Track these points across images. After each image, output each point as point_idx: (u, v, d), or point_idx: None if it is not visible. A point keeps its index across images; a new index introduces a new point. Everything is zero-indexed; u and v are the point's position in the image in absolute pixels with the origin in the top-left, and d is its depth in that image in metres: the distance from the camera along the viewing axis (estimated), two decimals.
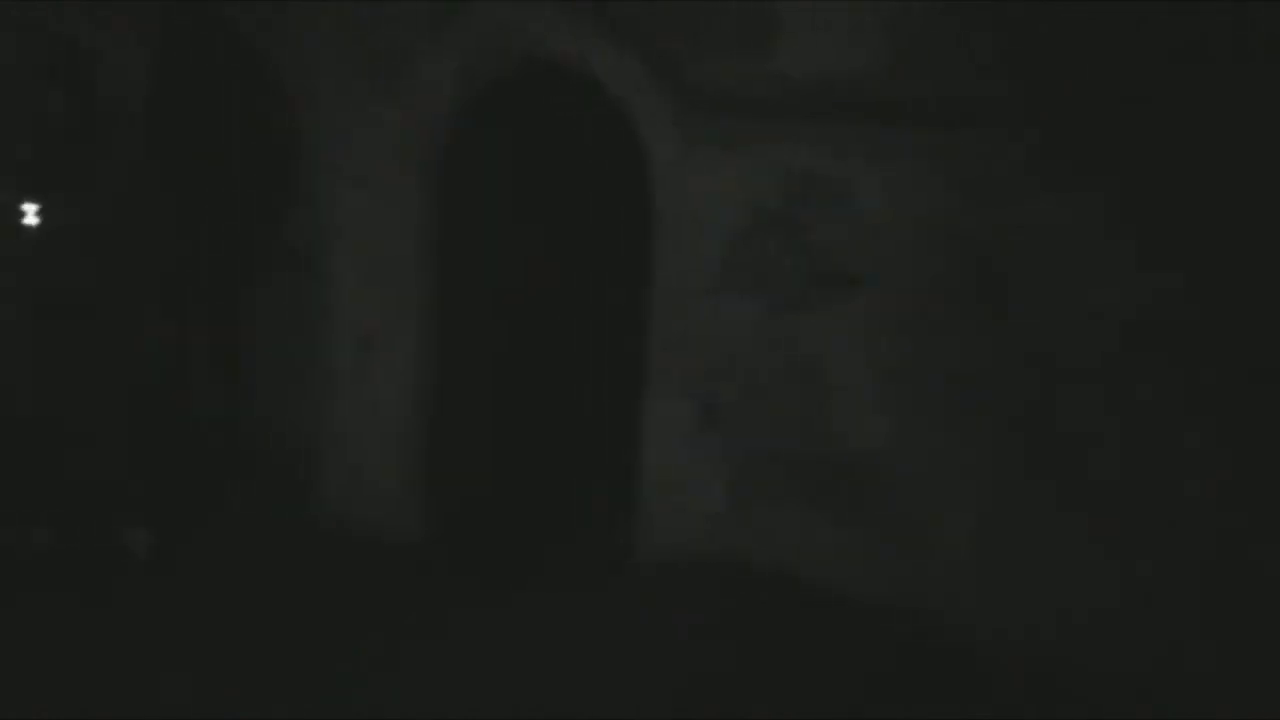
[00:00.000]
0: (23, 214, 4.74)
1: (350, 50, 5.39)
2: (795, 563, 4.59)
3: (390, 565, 5.26)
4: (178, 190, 5.04)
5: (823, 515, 4.58)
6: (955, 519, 4.39)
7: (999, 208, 4.29)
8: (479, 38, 5.18)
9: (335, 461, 5.65)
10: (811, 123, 4.54)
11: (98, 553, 5.11)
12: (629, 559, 4.95)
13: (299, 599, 4.82)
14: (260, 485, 5.94)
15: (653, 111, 4.80)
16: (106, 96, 4.88)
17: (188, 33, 5.91)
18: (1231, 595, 4.04)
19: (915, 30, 4.37)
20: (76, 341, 4.97)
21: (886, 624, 4.34)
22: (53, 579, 4.93)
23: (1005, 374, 4.30)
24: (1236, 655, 4.00)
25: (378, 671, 3.97)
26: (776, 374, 4.66)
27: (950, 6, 4.29)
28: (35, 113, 4.92)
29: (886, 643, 4.25)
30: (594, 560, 5.19)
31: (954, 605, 4.34)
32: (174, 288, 5.69)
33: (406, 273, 5.43)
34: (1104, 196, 4.14)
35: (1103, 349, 4.17)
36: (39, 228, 4.78)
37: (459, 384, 5.62)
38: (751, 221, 4.68)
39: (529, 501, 5.85)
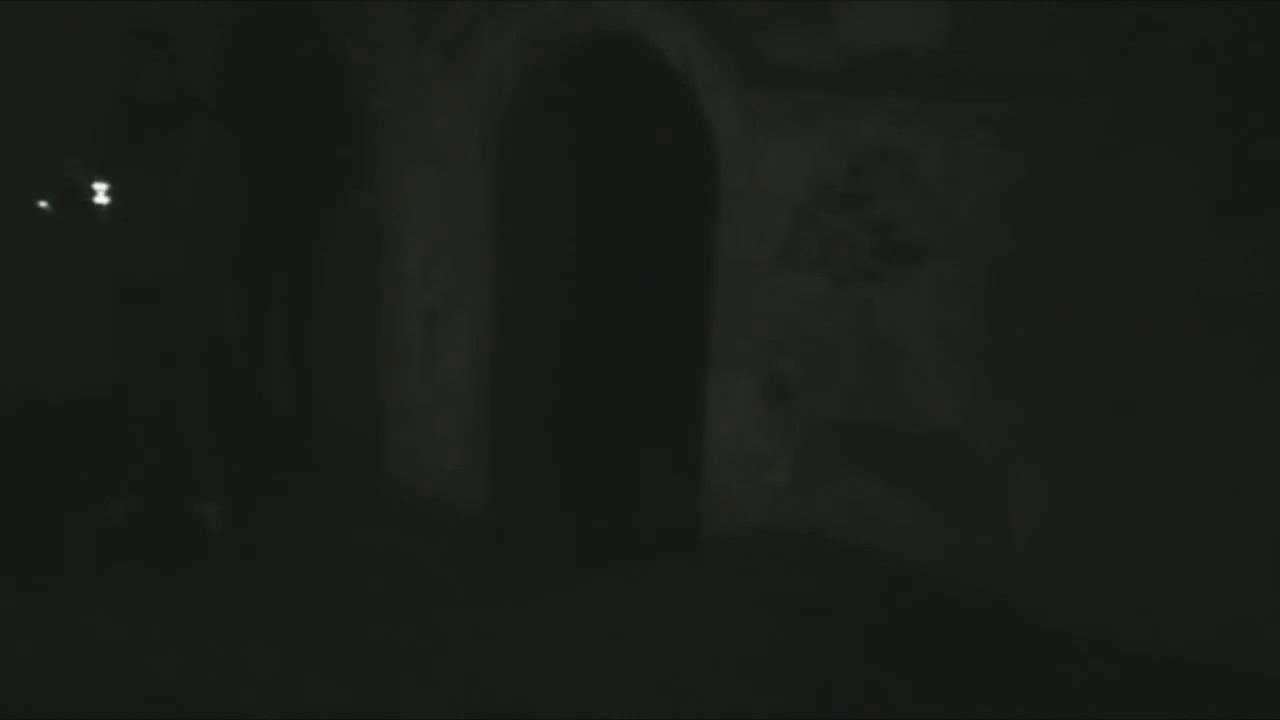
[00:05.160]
0: (106, 198, 4.78)
1: (416, 27, 5.42)
2: (864, 537, 4.61)
3: (458, 540, 5.34)
4: (249, 170, 5.10)
5: (892, 490, 4.59)
6: (1026, 494, 4.38)
7: (1067, 181, 4.24)
8: (541, 13, 5.18)
9: (402, 437, 5.72)
10: (877, 95, 4.51)
11: (173, 526, 5.21)
12: (694, 535, 4.99)
13: (372, 573, 4.90)
14: (330, 460, 6.04)
15: (716, 85, 4.80)
16: (183, 79, 4.92)
17: (256, 11, 5.97)
18: None
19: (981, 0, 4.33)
20: (156, 321, 5.03)
21: (956, 597, 4.36)
22: (130, 552, 5.05)
23: (1074, 348, 4.27)
24: None
25: (458, 649, 4.01)
26: (842, 348, 4.66)
27: None
28: (117, 96, 4.97)
29: (957, 616, 4.27)
30: (659, 536, 5.23)
31: (1023, 580, 4.34)
32: (247, 266, 5.76)
33: (471, 248, 5.47)
34: (1175, 170, 4.09)
35: (1175, 324, 4.12)
36: (121, 211, 4.83)
37: (523, 359, 5.67)
38: (816, 195, 4.67)
39: (593, 478, 5.90)
